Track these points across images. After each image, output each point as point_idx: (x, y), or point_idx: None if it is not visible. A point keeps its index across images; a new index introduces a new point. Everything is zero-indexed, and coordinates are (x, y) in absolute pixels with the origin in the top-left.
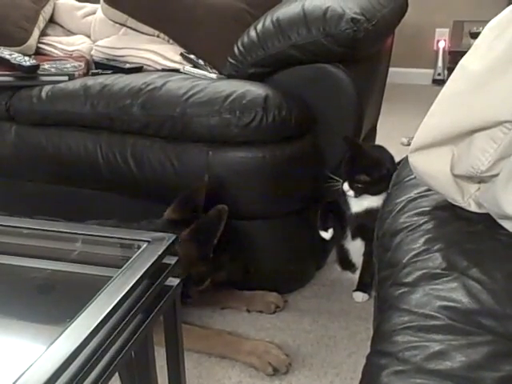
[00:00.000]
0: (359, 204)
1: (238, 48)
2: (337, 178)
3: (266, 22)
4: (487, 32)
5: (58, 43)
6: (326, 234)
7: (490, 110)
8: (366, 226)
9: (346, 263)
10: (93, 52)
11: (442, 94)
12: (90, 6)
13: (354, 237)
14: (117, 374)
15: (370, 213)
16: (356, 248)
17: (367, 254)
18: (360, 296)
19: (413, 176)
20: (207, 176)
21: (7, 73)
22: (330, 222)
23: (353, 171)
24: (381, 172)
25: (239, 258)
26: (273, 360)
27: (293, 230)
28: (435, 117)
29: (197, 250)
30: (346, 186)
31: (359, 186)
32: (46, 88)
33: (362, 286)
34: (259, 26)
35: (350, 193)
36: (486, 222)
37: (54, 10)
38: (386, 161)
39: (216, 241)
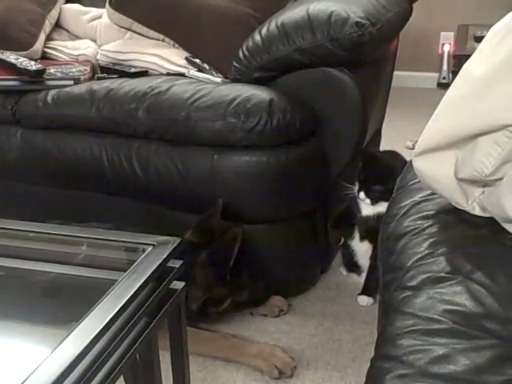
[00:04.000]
0: (371, 208)
1: (243, 52)
2: (350, 186)
3: (271, 26)
4: (491, 36)
5: (64, 47)
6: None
7: (494, 114)
8: (375, 229)
9: (352, 265)
10: (98, 56)
11: (446, 98)
12: (95, 11)
13: (362, 239)
14: (122, 376)
15: (380, 217)
16: (363, 250)
17: (374, 258)
18: (365, 300)
19: (417, 180)
20: (221, 200)
21: (13, 77)
22: (340, 235)
23: (368, 181)
24: (395, 180)
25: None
26: (278, 363)
27: (297, 233)
28: (439, 121)
29: (214, 272)
30: (362, 195)
31: (376, 194)
32: (52, 92)
33: (367, 290)
34: (264, 30)
35: (367, 201)
36: (491, 225)
37: (59, 14)
38: (399, 168)
39: (232, 263)
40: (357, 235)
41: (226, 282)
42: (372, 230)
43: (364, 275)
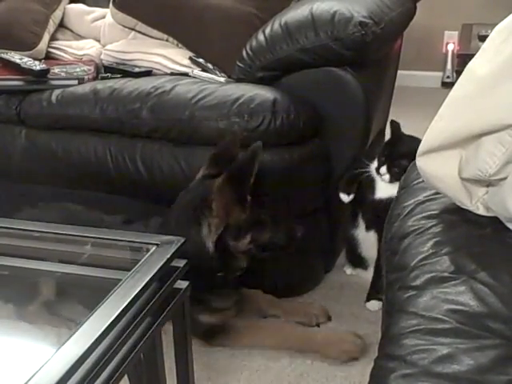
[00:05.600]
0: (386, 190)
1: (247, 52)
2: (368, 163)
3: (275, 25)
4: (495, 35)
5: (68, 47)
6: (346, 198)
7: (498, 114)
8: (384, 216)
9: (357, 259)
10: (102, 56)
11: (450, 98)
12: (99, 11)
13: (368, 228)
14: (126, 376)
15: (390, 202)
16: (369, 241)
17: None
18: (376, 305)
19: (421, 179)
20: (240, 129)
21: (17, 77)
22: (353, 189)
23: (393, 155)
24: None
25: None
26: (347, 348)
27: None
28: (443, 120)
29: (232, 193)
30: (383, 170)
31: (397, 170)
32: (56, 92)
33: (375, 294)
34: (267, 30)
35: (386, 177)
36: (494, 225)
37: (63, 14)
38: None
39: (252, 179)
40: (362, 225)
41: (246, 205)
42: (381, 217)
43: (370, 270)
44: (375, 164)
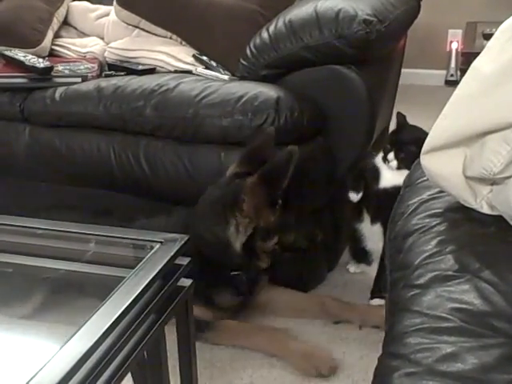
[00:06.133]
0: (392, 179)
1: (251, 49)
2: (374, 153)
3: (279, 23)
4: (499, 34)
5: (72, 45)
6: (356, 196)
7: (503, 112)
8: (389, 207)
9: (361, 252)
10: (106, 54)
11: (455, 96)
12: (103, 8)
13: (373, 221)
14: (129, 373)
15: (397, 193)
16: (374, 235)
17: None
18: (379, 303)
19: (425, 178)
20: (272, 128)
21: (21, 74)
22: (362, 186)
23: (401, 142)
24: None
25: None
26: (318, 362)
27: (304, 231)
28: (448, 119)
29: (265, 194)
30: (391, 156)
31: (403, 156)
32: (60, 89)
33: (379, 292)
34: (271, 28)
35: (394, 163)
36: (499, 223)
37: (67, 11)
38: None
39: (285, 185)
40: (367, 219)
41: (277, 208)
42: (386, 208)
43: (374, 266)
44: (381, 155)
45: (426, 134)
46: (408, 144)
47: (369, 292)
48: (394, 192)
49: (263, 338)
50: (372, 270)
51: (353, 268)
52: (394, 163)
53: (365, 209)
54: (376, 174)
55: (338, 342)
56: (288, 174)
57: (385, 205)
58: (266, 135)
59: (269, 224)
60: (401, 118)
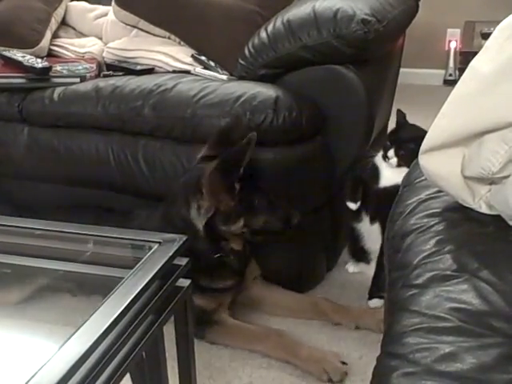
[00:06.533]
0: (391, 178)
1: (249, 49)
2: (373, 153)
3: (277, 23)
4: (498, 33)
5: (70, 45)
6: (354, 205)
7: (501, 112)
8: (389, 206)
9: (360, 251)
10: (104, 54)
11: (453, 96)
12: (101, 8)
13: (372, 220)
14: (128, 374)
15: (396, 192)
16: (373, 234)
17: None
18: (378, 303)
19: (423, 177)
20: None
21: (20, 75)
22: (359, 194)
23: (401, 139)
24: None
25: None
26: (329, 368)
27: (303, 231)
28: (446, 118)
29: (221, 181)
30: (391, 153)
31: (403, 153)
32: (58, 90)
33: (377, 292)
34: (270, 28)
35: (394, 160)
36: (497, 223)
37: (65, 12)
38: None
39: (241, 170)
40: (366, 218)
41: (235, 193)
42: (385, 207)
43: (373, 264)
44: (380, 153)
45: (425, 133)
46: (408, 142)
47: (367, 292)
48: (394, 191)
49: (272, 343)
50: (371, 269)
51: (352, 267)
52: (394, 160)
53: (364, 208)
54: (376, 173)
55: (337, 342)
56: (244, 161)
57: (384, 204)
58: (235, 118)
59: (229, 208)
60: (401, 116)
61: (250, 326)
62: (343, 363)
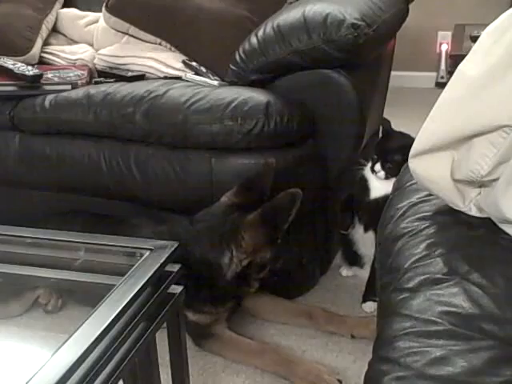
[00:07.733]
0: (381, 189)
1: (240, 55)
2: (364, 163)
3: (267, 28)
4: (485, 37)
5: (61, 52)
6: (346, 232)
7: (489, 115)
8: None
9: (353, 256)
10: (95, 60)
11: (441, 99)
12: (92, 15)
13: (366, 229)
14: (121, 381)
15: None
16: (367, 240)
17: None
18: (372, 306)
19: (414, 181)
20: (273, 159)
21: (11, 82)
22: (351, 220)
23: (387, 151)
24: None
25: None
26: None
27: (297, 235)
28: (435, 122)
29: (265, 234)
30: (377, 167)
31: (390, 166)
32: (50, 97)
33: (371, 295)
34: (260, 33)
35: (381, 174)
36: (487, 226)
37: (56, 19)
38: None
39: (286, 226)
40: (359, 226)
41: (276, 246)
42: (378, 217)
43: (366, 268)
44: (369, 165)
45: (411, 140)
46: (394, 153)
47: (361, 295)
48: (384, 202)
49: (268, 359)
50: (364, 273)
51: (345, 271)
52: (382, 173)
53: (357, 217)
54: (365, 185)
55: (331, 345)
56: (290, 217)
57: (377, 215)
58: (265, 166)
59: (265, 260)
60: (386, 124)
61: (246, 340)
62: (339, 381)
